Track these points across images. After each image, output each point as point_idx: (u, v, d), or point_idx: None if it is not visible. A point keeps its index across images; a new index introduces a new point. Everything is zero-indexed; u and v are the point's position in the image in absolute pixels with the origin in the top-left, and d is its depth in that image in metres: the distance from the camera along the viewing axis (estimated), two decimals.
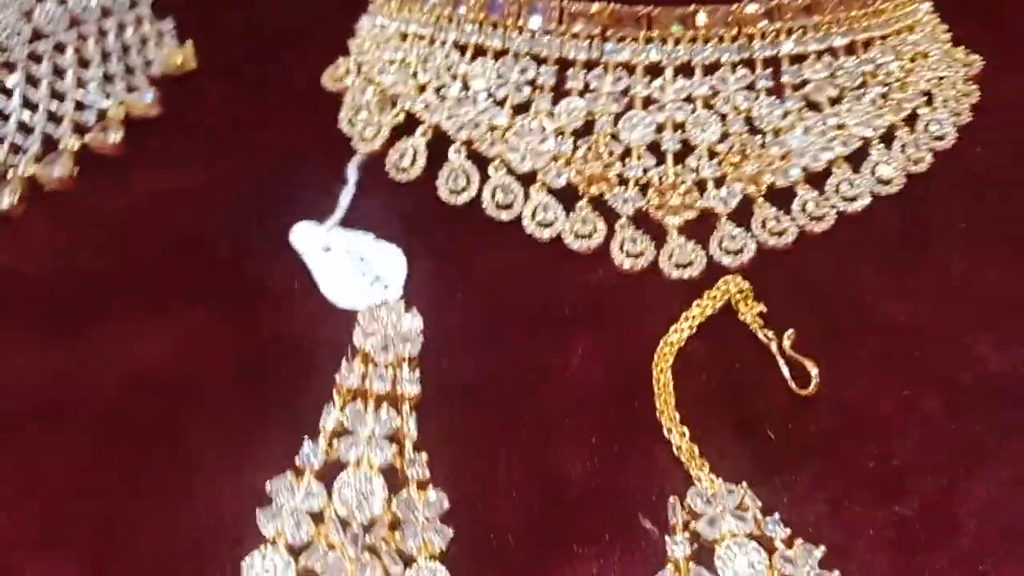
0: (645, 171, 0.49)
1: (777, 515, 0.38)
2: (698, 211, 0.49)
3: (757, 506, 0.38)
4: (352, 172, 0.52)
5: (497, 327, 0.46)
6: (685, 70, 0.49)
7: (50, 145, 0.53)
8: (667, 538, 0.38)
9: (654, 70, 0.49)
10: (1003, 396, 0.42)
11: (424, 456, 0.39)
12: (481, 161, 0.51)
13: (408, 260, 0.48)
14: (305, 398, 0.43)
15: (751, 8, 0.48)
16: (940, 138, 0.52)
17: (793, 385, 0.43)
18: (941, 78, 0.53)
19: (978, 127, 0.52)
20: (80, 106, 0.54)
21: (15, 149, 0.52)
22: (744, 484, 0.39)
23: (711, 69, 0.49)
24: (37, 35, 0.53)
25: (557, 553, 0.38)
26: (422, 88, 0.52)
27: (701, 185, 0.49)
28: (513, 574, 0.38)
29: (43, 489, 0.40)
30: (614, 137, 0.50)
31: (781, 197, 0.49)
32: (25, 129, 0.52)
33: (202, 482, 0.40)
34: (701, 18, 0.49)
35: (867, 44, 0.51)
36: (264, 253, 0.49)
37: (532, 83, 0.50)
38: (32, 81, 0.53)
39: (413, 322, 0.42)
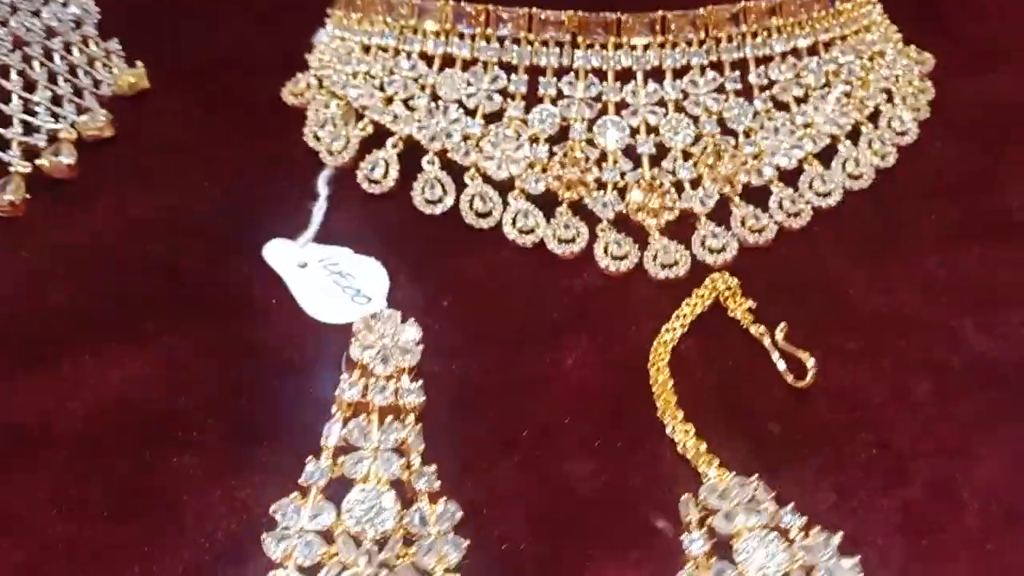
0: (622, 175, 0.49)
1: (791, 505, 0.38)
2: (678, 212, 0.49)
3: (770, 498, 0.38)
4: (323, 186, 0.51)
5: (487, 335, 0.45)
6: (655, 74, 0.50)
7: (1, 170, 0.50)
8: (684, 536, 0.37)
9: (625, 75, 0.50)
10: (990, 379, 0.43)
11: (433, 468, 0.38)
12: (456, 170, 0.50)
13: (388, 272, 0.47)
14: (293, 415, 0.41)
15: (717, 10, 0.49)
16: (903, 133, 0.53)
17: (790, 378, 0.43)
18: (898, 76, 0.55)
19: (935, 123, 0.54)
20: (29, 129, 0.52)
21: None
22: (756, 477, 0.38)
23: (680, 73, 0.50)
24: None
25: (573, 558, 0.37)
26: (389, 100, 0.52)
27: (678, 186, 0.49)
28: None
29: (20, 526, 0.38)
30: (589, 142, 0.50)
31: (757, 196, 0.50)
32: None
33: (192, 505, 0.38)
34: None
35: (828, 45, 0.52)
36: (239, 271, 0.47)
37: (503, 92, 0.50)
38: None
39: (412, 332, 0.41)
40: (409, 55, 0.51)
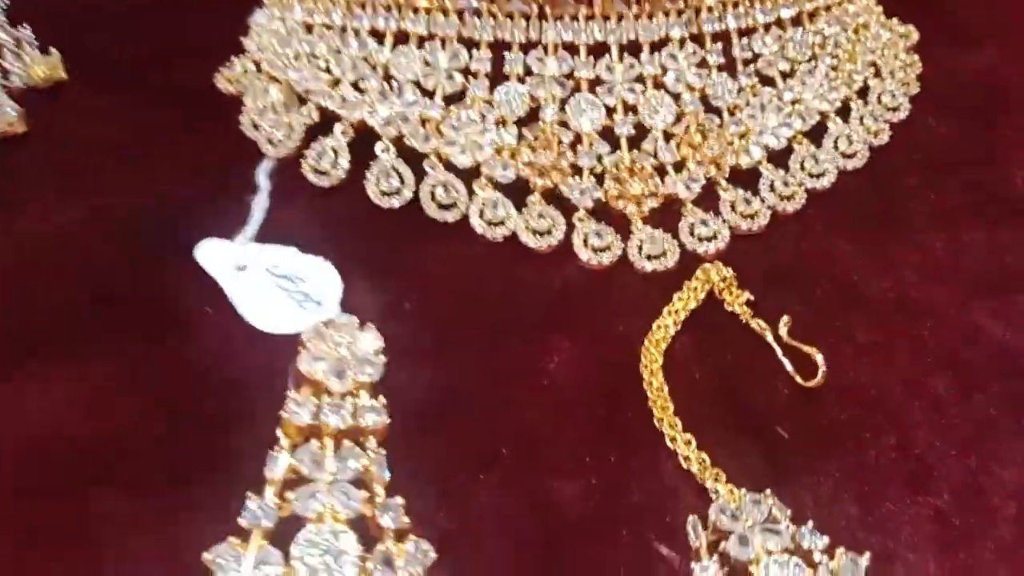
0: (599, 159, 0.45)
1: (811, 523, 0.33)
2: (661, 198, 0.45)
3: (787, 515, 0.33)
4: (263, 179, 0.46)
5: (457, 341, 0.40)
6: (632, 48, 0.46)
7: None
8: (693, 565, 0.32)
9: (598, 50, 0.45)
10: (1011, 369, 0.39)
11: (400, 501, 0.32)
12: (414, 158, 0.45)
13: (340, 274, 0.42)
14: (238, 443, 0.36)
15: None
16: (894, 109, 0.50)
17: (797, 377, 0.38)
18: (884, 50, 0.51)
19: (925, 98, 0.51)
20: None
21: None
22: (769, 492, 0.34)
23: (659, 46, 0.46)
24: None
25: None
26: (336, 82, 0.47)
27: (660, 170, 0.45)
28: None
29: None
30: (562, 124, 0.45)
31: (745, 179, 0.46)
32: None
33: (117, 552, 0.33)
34: None
35: (812, 16, 0.49)
36: (168, 278, 0.42)
37: (465, 70, 0.45)
38: None
39: (371, 341, 0.35)
40: (357, 32, 0.47)
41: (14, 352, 0.39)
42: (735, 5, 0.47)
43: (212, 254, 0.43)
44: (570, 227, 0.44)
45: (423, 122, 0.45)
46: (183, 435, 0.36)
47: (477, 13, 0.45)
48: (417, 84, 0.46)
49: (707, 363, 0.40)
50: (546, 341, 0.40)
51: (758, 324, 0.40)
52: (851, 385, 0.39)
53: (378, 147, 0.45)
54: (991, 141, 0.49)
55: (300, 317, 0.40)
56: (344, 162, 0.46)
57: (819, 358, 0.39)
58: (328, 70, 0.47)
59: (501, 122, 0.45)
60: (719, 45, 0.46)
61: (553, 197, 0.45)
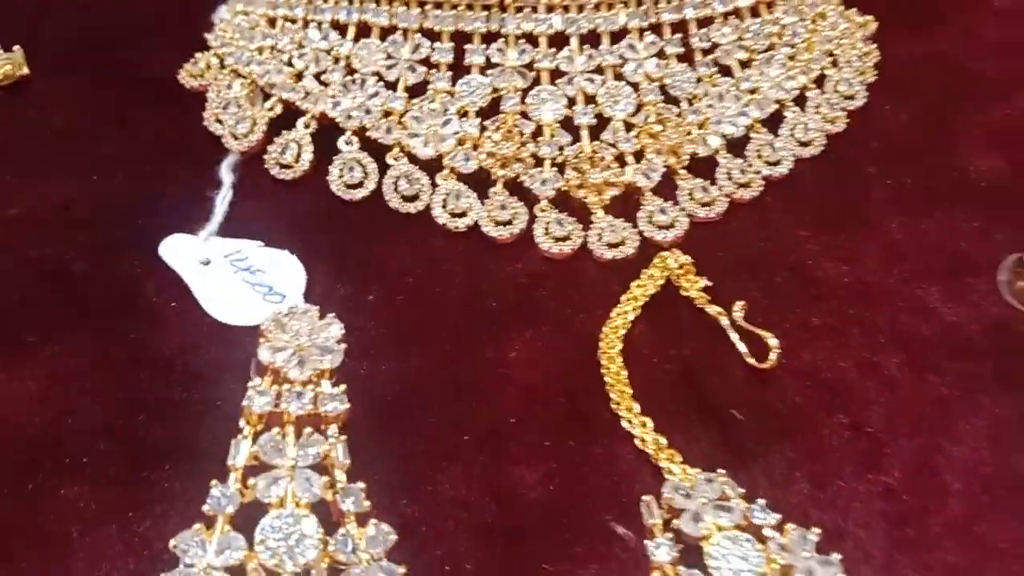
0: (560, 149, 0.45)
1: (763, 501, 0.34)
2: (621, 187, 0.45)
3: (739, 494, 0.34)
4: (227, 173, 0.46)
5: (419, 331, 0.40)
6: (591, 39, 0.46)
7: None
8: (647, 542, 0.33)
9: (558, 40, 0.46)
10: (962, 349, 0.40)
11: (361, 485, 0.33)
12: (377, 150, 0.45)
13: (304, 266, 0.42)
14: (197, 434, 0.36)
15: None
16: (851, 97, 0.50)
17: (752, 360, 0.39)
18: (841, 39, 0.52)
19: (881, 86, 0.51)
20: None
21: None
22: (721, 471, 0.35)
23: (618, 37, 0.46)
24: None
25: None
26: (299, 76, 0.47)
27: (620, 159, 0.46)
28: None
29: None
30: (523, 115, 0.45)
31: (703, 167, 0.46)
32: None
33: (83, 542, 0.33)
34: None
35: (770, 5, 0.49)
36: (131, 271, 0.42)
37: (427, 61, 0.46)
38: None
39: (332, 329, 0.36)
40: (320, 25, 0.47)
41: None
42: None
43: (176, 248, 0.43)
44: (531, 217, 0.44)
45: (386, 114, 0.46)
46: (147, 427, 0.36)
47: (439, 6, 0.46)
48: (379, 76, 0.46)
49: (665, 349, 0.40)
50: (507, 331, 0.40)
51: (713, 310, 0.41)
52: (806, 368, 0.39)
53: (341, 140, 0.46)
54: (947, 128, 0.50)
55: (263, 310, 0.40)
56: (307, 155, 0.46)
57: (772, 341, 0.39)
58: (291, 63, 0.47)
59: (463, 113, 0.45)
60: (677, 36, 0.47)
61: (515, 187, 0.45)
